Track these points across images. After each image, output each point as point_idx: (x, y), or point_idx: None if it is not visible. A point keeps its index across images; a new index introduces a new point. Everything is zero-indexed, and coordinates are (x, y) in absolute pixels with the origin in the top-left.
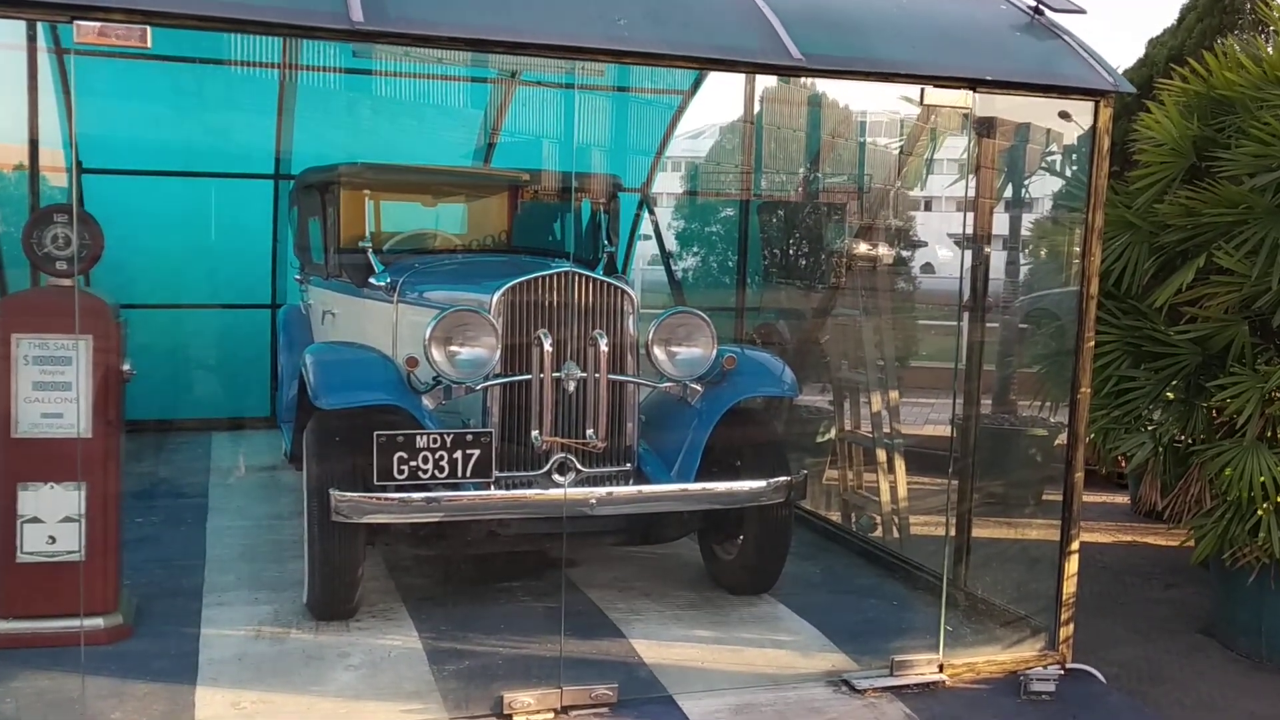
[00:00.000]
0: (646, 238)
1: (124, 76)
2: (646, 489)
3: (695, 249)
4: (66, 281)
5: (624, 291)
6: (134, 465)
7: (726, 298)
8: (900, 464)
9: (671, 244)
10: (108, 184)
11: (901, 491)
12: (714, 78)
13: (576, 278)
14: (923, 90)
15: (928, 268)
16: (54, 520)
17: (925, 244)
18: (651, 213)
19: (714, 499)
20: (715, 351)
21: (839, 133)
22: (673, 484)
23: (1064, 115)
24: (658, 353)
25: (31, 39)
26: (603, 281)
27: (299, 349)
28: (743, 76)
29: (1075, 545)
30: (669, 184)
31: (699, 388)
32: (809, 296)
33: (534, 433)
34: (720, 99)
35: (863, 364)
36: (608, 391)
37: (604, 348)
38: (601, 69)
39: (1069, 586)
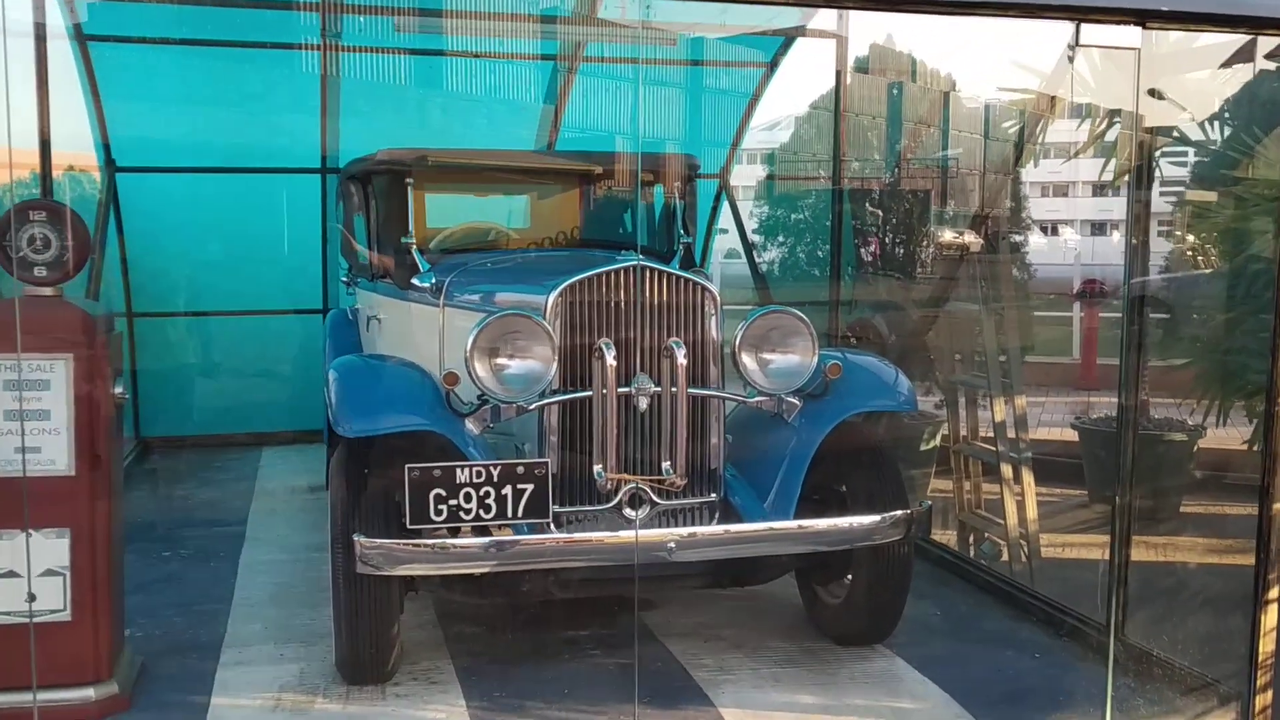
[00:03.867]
0: (724, 231)
1: (156, 67)
2: (735, 529)
3: (781, 240)
4: (47, 291)
5: (705, 289)
6: (174, 487)
7: (815, 292)
8: (1029, 479)
9: (753, 236)
10: (143, 182)
11: (1031, 512)
12: (797, 49)
13: (648, 273)
14: (1078, 27)
15: None
16: (34, 574)
17: (1028, 230)
18: (731, 201)
19: (817, 539)
20: (816, 358)
21: (928, 120)
22: (767, 521)
23: (1154, 93)
24: (747, 361)
25: (40, 37)
26: (680, 277)
27: None
28: (833, 43)
29: (1275, 593)
30: (750, 172)
31: (797, 402)
32: (908, 289)
33: (596, 468)
34: (803, 79)
35: (980, 363)
36: (687, 413)
37: (682, 359)
38: (674, 37)
39: (1266, 644)
